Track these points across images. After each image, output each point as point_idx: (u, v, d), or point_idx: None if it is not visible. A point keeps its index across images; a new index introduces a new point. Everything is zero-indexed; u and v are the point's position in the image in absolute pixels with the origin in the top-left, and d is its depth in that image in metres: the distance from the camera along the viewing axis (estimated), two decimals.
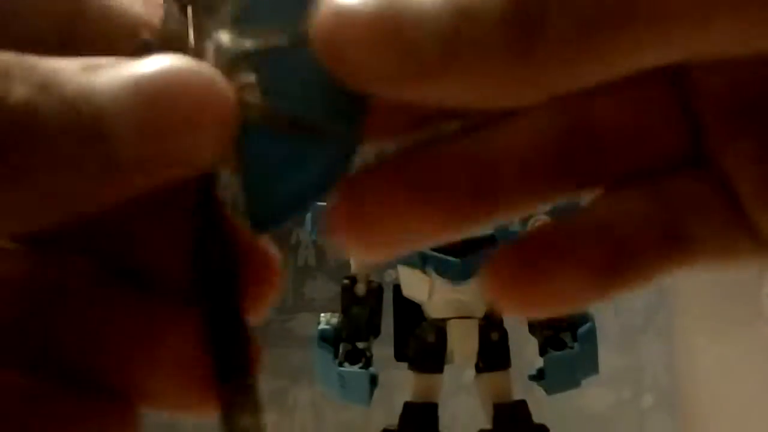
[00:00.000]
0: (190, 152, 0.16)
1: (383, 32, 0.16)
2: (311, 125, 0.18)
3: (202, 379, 0.18)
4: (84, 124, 0.16)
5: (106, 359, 0.18)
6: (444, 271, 0.76)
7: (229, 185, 0.18)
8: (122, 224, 0.18)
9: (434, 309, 0.77)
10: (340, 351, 0.77)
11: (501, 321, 0.79)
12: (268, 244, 0.19)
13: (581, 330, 0.77)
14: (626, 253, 0.19)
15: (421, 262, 0.77)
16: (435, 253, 0.76)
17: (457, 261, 0.76)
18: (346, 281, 0.79)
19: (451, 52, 0.16)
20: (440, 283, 0.76)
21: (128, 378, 0.18)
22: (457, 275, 0.76)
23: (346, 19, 0.16)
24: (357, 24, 0.16)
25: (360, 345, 0.78)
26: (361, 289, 0.79)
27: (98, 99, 0.16)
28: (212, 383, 0.18)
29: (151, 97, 0.16)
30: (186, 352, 0.18)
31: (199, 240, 0.18)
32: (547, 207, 0.21)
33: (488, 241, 0.78)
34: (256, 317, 0.19)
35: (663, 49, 0.17)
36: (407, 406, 0.77)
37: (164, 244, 0.19)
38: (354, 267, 0.80)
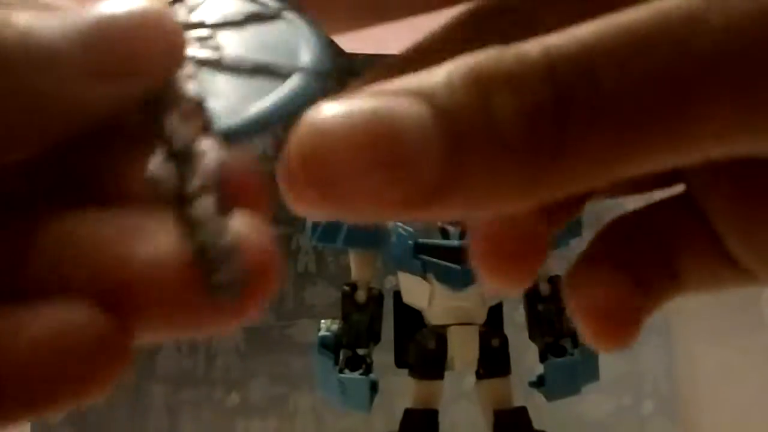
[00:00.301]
0: (137, 65, 0.16)
1: (373, 151, 0.15)
2: (271, 69, 0.18)
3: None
4: (38, 55, 0.16)
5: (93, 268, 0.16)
6: (444, 277, 0.76)
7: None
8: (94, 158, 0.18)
9: (435, 316, 0.77)
10: (341, 357, 0.77)
11: (501, 327, 0.79)
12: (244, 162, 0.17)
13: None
14: (646, 295, 0.20)
15: (422, 268, 0.77)
16: (436, 260, 0.76)
17: (458, 268, 0.76)
18: (346, 288, 0.79)
19: (453, 176, 0.15)
20: (441, 289, 0.76)
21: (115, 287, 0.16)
22: (457, 282, 0.76)
23: (327, 137, 0.15)
24: (342, 142, 0.15)
25: (360, 351, 0.78)
26: (361, 295, 0.79)
27: (49, 32, 0.16)
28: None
29: (101, 27, 0.16)
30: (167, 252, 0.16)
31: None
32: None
33: None
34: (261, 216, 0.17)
35: (693, 154, 0.15)
36: (407, 412, 0.77)
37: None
38: (354, 273, 0.80)
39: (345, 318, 0.79)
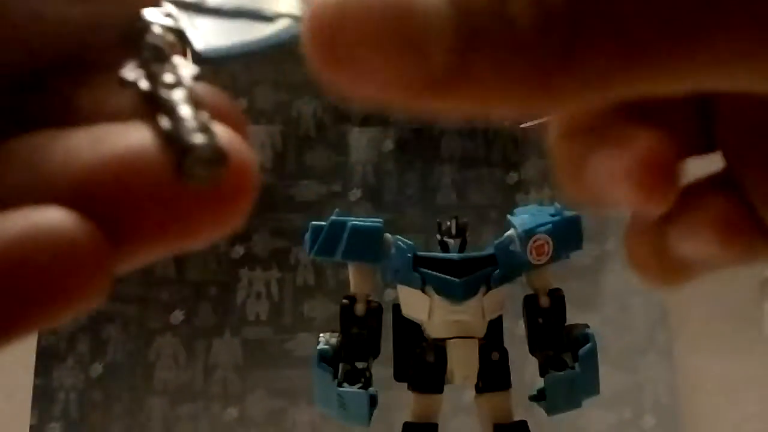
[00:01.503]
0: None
1: (385, 29, 0.15)
2: (254, 13, 0.18)
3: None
4: None
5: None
6: (444, 290, 0.76)
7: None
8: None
9: (434, 329, 0.77)
10: (339, 371, 0.77)
11: (501, 341, 0.79)
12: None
13: (582, 350, 0.76)
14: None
15: (421, 281, 0.76)
16: (435, 273, 0.76)
17: (457, 281, 0.76)
18: (345, 301, 0.79)
19: (461, 65, 0.15)
20: (440, 302, 0.76)
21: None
22: (457, 295, 0.76)
23: (344, 9, 0.15)
24: (356, 16, 0.15)
25: (359, 365, 0.77)
26: (360, 308, 0.78)
27: None
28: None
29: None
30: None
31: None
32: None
33: (488, 261, 0.77)
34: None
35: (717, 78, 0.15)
36: (407, 426, 0.76)
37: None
38: (353, 287, 0.79)
39: (344, 331, 0.78)
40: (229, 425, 1.32)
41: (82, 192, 0.14)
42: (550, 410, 0.77)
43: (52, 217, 0.14)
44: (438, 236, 0.81)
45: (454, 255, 0.78)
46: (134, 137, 0.15)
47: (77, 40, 0.16)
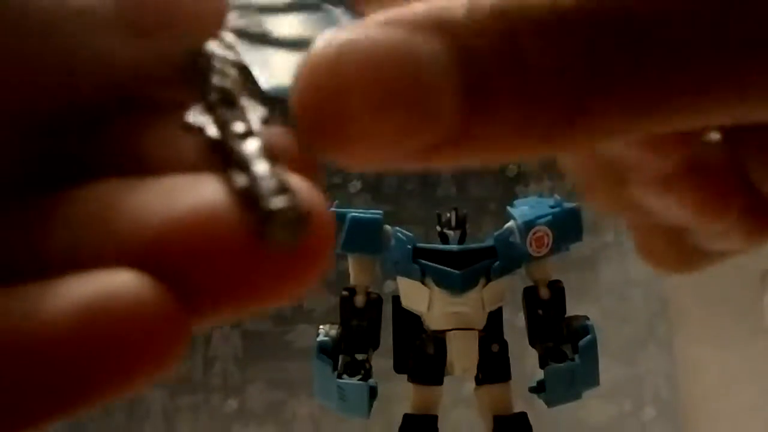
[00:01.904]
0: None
1: (387, 89, 0.13)
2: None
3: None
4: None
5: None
6: (444, 282, 0.76)
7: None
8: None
9: (434, 320, 0.77)
10: (339, 363, 0.77)
11: (501, 333, 0.79)
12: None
13: (582, 342, 0.76)
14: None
15: (421, 273, 0.76)
16: (434, 265, 0.76)
17: (457, 273, 0.75)
18: (345, 292, 0.79)
19: (474, 119, 0.14)
20: (440, 294, 0.76)
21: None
22: (456, 287, 0.75)
23: (340, 71, 0.13)
24: (354, 78, 0.13)
25: (359, 357, 0.77)
26: (360, 300, 0.78)
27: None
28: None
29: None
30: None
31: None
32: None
33: (488, 252, 0.77)
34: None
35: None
36: (407, 418, 0.76)
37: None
38: (353, 278, 0.79)
39: (344, 323, 0.78)
40: (229, 417, 1.32)
41: (155, 252, 0.13)
42: (550, 402, 0.77)
43: (126, 282, 0.13)
44: (438, 228, 0.80)
45: (453, 246, 0.78)
46: (207, 193, 0.14)
47: (134, 79, 0.15)
